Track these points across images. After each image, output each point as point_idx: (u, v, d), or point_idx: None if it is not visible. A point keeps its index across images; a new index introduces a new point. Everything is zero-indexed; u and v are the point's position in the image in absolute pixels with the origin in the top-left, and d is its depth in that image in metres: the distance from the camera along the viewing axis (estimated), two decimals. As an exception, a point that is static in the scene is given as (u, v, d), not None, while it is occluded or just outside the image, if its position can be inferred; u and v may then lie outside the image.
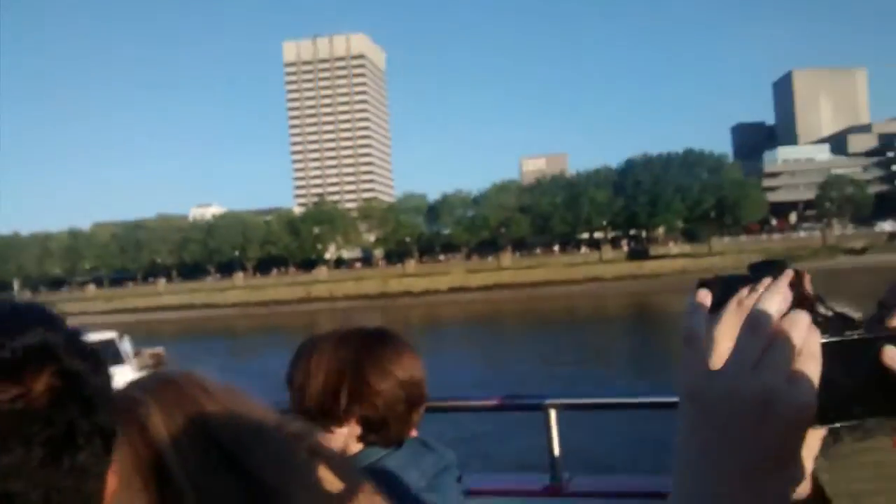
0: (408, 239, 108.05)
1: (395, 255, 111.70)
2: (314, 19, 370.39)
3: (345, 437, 1.41)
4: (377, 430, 1.42)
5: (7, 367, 0.56)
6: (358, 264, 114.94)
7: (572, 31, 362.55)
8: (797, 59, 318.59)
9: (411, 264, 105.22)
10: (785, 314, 0.50)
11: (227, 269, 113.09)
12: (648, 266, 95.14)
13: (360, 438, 1.44)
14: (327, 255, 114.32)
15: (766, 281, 0.57)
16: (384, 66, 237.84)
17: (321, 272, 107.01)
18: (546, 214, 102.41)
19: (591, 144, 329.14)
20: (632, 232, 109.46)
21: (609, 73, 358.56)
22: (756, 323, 0.50)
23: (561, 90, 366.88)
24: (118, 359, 22.03)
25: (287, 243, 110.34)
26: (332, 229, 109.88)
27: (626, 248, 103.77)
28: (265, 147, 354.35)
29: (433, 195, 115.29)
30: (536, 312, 72.65)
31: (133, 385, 0.83)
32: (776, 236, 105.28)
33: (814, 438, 0.57)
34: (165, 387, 0.81)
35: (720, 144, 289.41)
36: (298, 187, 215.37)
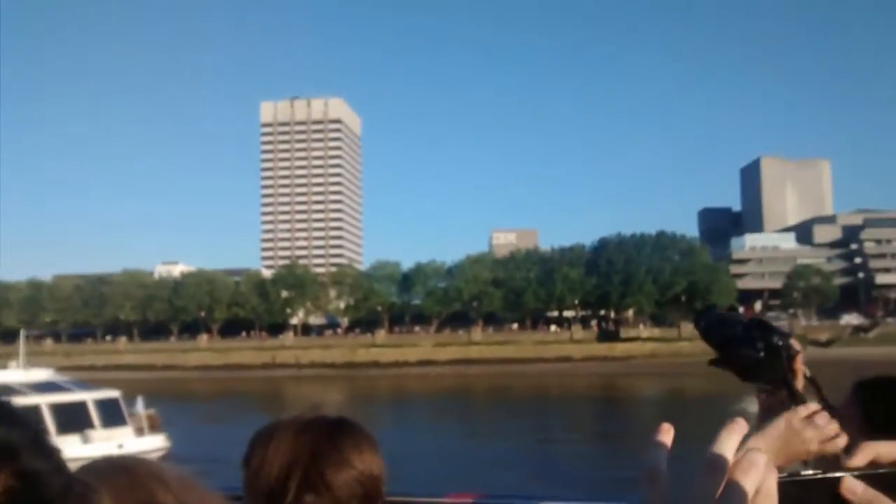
0: (379, 307, 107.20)
1: (364, 324, 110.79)
2: (292, 82, 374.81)
3: None
4: None
5: None
6: (329, 331, 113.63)
7: (546, 109, 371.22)
8: (764, 146, 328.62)
9: (381, 334, 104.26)
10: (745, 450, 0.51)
11: (191, 329, 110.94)
12: (619, 348, 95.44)
13: None
14: (294, 320, 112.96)
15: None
16: (360, 131, 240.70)
17: (288, 338, 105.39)
18: (519, 289, 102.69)
19: (559, 221, 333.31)
20: (601, 312, 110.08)
21: (579, 151, 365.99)
22: (713, 464, 0.51)
23: (532, 166, 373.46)
24: (120, 419, 21.16)
25: (255, 305, 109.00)
26: (301, 293, 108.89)
27: (595, 328, 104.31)
28: (236, 207, 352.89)
29: (405, 264, 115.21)
30: (506, 389, 71.95)
31: (86, 470, 0.80)
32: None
33: None
34: (120, 474, 0.78)
35: (687, 227, 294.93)
36: (266, 249, 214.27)
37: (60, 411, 20.51)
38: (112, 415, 21.81)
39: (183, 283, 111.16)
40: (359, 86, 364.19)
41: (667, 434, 0.54)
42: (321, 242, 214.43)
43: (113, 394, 21.90)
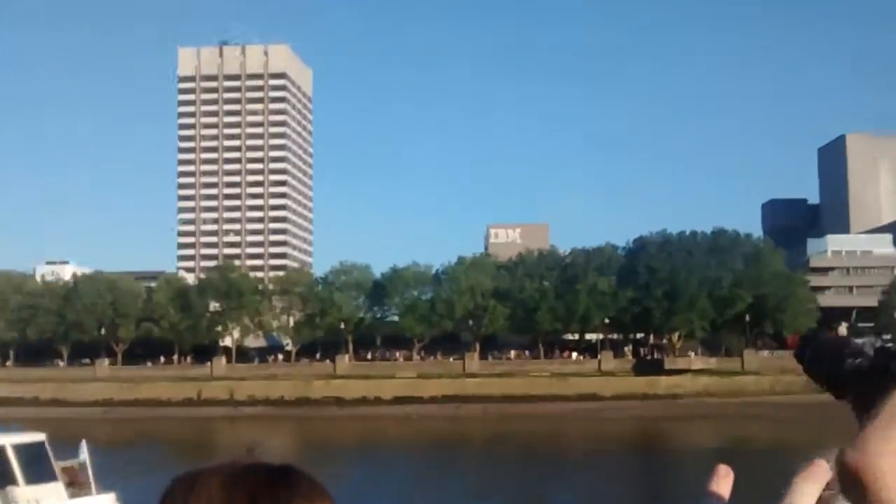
0: (342, 325, 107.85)
1: (322, 347, 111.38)
2: (220, 22, 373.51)
3: None
4: None
5: None
6: (273, 357, 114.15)
7: (554, 75, 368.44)
8: (843, 123, 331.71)
9: (344, 361, 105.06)
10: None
11: (88, 351, 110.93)
12: (662, 383, 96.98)
13: None
14: (227, 342, 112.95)
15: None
16: (311, 90, 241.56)
17: (219, 364, 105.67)
18: (529, 304, 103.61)
19: (575, 215, 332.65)
20: (638, 335, 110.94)
21: (600, 127, 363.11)
22: None
23: (540, 145, 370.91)
24: (48, 472, 20.74)
25: (174, 321, 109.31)
26: (237, 306, 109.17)
27: (630, 357, 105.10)
28: (145, 191, 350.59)
29: (377, 268, 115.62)
30: (510, 438, 72.09)
31: None
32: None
33: None
34: None
35: (748, 225, 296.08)
36: (185, 247, 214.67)
37: None
38: (38, 466, 21.02)
39: (77, 291, 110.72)
40: (310, 30, 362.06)
41: (724, 479, 0.59)
42: (258, 238, 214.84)
43: (37, 437, 21.28)
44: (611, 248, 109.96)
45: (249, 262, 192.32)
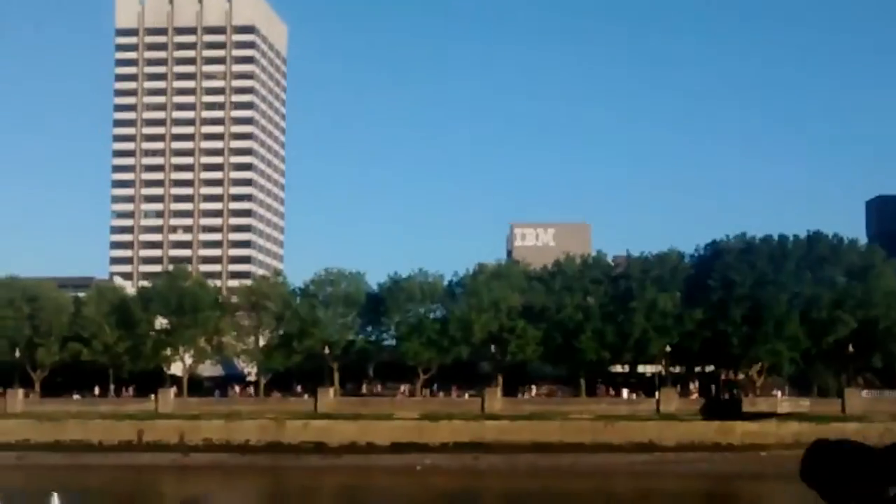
0: (326, 349, 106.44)
1: (301, 377, 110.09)
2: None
3: None
4: None
5: None
6: (236, 388, 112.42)
7: (590, 54, 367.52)
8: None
9: (328, 395, 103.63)
10: None
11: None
12: (740, 430, 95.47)
13: None
14: (177, 370, 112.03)
15: None
16: (285, 49, 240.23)
17: (166, 399, 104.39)
18: (569, 326, 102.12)
19: (623, 214, 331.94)
20: (709, 368, 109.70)
21: (651, 110, 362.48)
22: None
23: (575, 134, 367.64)
24: None
25: (110, 342, 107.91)
26: (192, 323, 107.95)
27: (696, 395, 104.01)
28: (70, 179, 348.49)
29: (371, 277, 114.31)
30: (541, 499, 71.91)
31: None
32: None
33: None
34: None
35: (848, 229, 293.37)
36: (120, 247, 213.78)
37: None
38: None
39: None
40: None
41: None
42: (216, 237, 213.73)
43: None
44: (676, 255, 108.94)
45: (204, 268, 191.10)
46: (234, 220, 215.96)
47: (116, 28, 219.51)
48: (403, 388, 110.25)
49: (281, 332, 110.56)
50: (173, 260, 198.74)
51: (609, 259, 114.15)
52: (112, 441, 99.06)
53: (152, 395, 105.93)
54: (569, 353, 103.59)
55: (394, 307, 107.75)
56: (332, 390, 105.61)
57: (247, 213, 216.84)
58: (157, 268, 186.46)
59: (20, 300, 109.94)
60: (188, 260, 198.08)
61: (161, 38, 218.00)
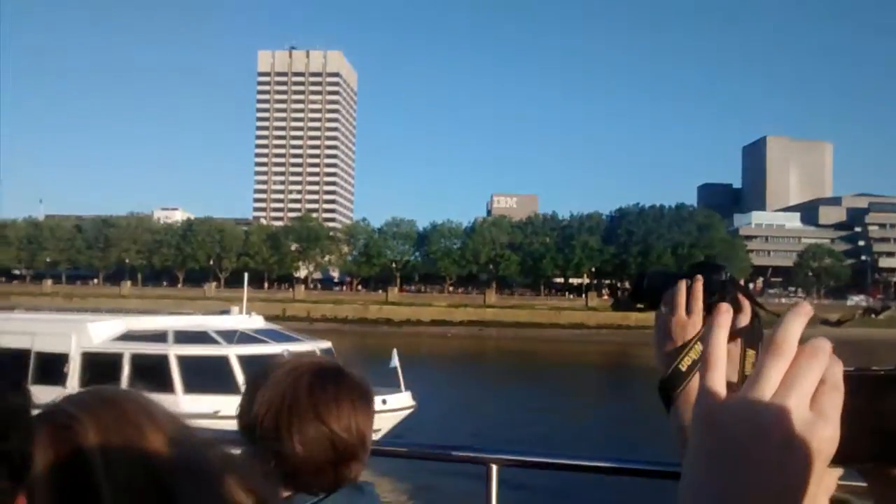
0: (393, 265, 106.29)
1: (373, 282, 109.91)
2: (290, 29, 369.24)
3: None
4: (293, 477, 1.28)
5: None
6: (343, 287, 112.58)
7: (549, 71, 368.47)
8: (763, 127, 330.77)
9: (394, 292, 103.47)
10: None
11: (196, 277, 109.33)
12: (634, 317, 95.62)
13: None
14: (300, 274, 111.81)
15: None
16: (356, 87, 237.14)
17: (299, 291, 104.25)
18: (536, 254, 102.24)
19: (558, 189, 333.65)
20: (616, 282, 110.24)
21: (582, 119, 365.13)
22: (779, 347, 0.47)
23: (532, 131, 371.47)
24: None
25: (266, 257, 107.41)
26: (316, 247, 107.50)
27: (607, 296, 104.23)
28: (228, 156, 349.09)
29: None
30: (518, 353, 72.02)
31: (71, 402, 0.77)
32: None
33: (832, 477, 0.53)
34: (106, 407, 0.75)
35: (685, 201, 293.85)
36: (259, 200, 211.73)
37: None
38: None
39: (193, 230, 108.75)
40: (356, 39, 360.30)
41: (726, 313, 0.49)
42: (314, 197, 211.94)
43: (325, 345, 19.00)
44: (598, 214, 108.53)
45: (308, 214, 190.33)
46: (326, 188, 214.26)
47: (258, 71, 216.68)
48: (436, 289, 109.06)
49: (367, 253, 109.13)
50: (287, 210, 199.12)
51: (559, 217, 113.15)
52: (267, 314, 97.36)
53: (291, 289, 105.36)
54: (535, 271, 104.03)
55: (434, 241, 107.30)
56: (395, 289, 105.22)
57: (333, 183, 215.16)
58: (279, 212, 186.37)
59: (213, 231, 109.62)
60: (297, 209, 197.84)
61: (283, 79, 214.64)
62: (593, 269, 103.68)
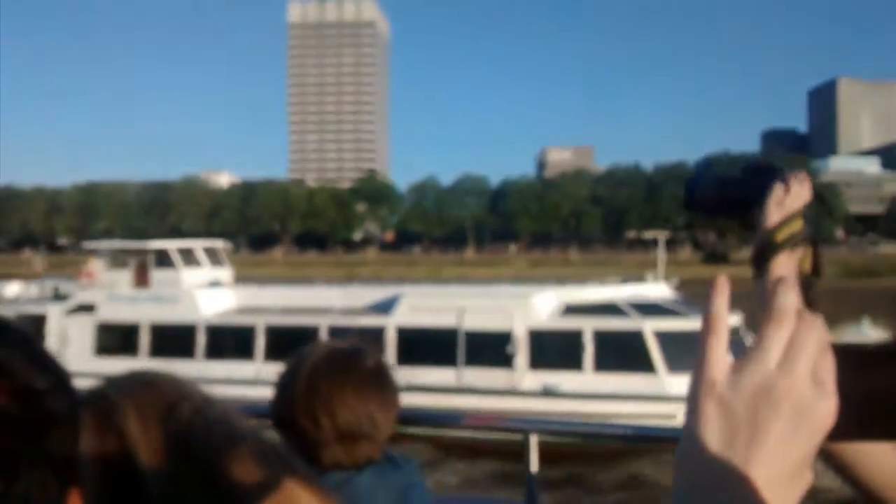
0: (466, 224, 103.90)
1: (444, 242, 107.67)
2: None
3: None
4: (305, 455, 1.35)
5: None
6: (414, 247, 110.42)
7: (603, 14, 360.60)
8: (831, 69, 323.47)
9: (469, 251, 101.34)
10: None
11: (260, 242, 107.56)
12: (727, 272, 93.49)
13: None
14: (358, 236, 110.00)
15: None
16: (389, 37, 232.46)
17: (369, 253, 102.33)
18: (621, 209, 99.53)
19: (614, 139, 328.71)
20: (699, 236, 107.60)
21: (637, 65, 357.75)
22: (780, 316, 0.47)
23: (582, 79, 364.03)
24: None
25: (333, 218, 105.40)
26: (383, 207, 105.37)
27: (690, 251, 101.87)
28: (259, 113, 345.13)
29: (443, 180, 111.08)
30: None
31: (109, 384, 0.80)
32: (843, 250, 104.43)
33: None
34: (144, 389, 0.78)
35: (748, 148, 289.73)
36: (295, 160, 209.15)
37: None
38: None
39: (256, 193, 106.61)
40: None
41: (724, 287, 0.48)
42: (352, 154, 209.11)
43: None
44: (684, 164, 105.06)
45: (346, 174, 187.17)
46: (364, 145, 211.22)
47: (288, 23, 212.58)
48: (501, 246, 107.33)
49: (438, 213, 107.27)
50: (324, 168, 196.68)
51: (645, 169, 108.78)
52: (336, 278, 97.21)
53: (357, 251, 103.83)
54: (619, 226, 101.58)
55: (509, 197, 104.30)
56: (470, 249, 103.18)
57: (370, 140, 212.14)
58: (314, 172, 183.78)
59: (279, 194, 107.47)
60: (335, 168, 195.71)
61: (315, 31, 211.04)
62: (683, 224, 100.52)
